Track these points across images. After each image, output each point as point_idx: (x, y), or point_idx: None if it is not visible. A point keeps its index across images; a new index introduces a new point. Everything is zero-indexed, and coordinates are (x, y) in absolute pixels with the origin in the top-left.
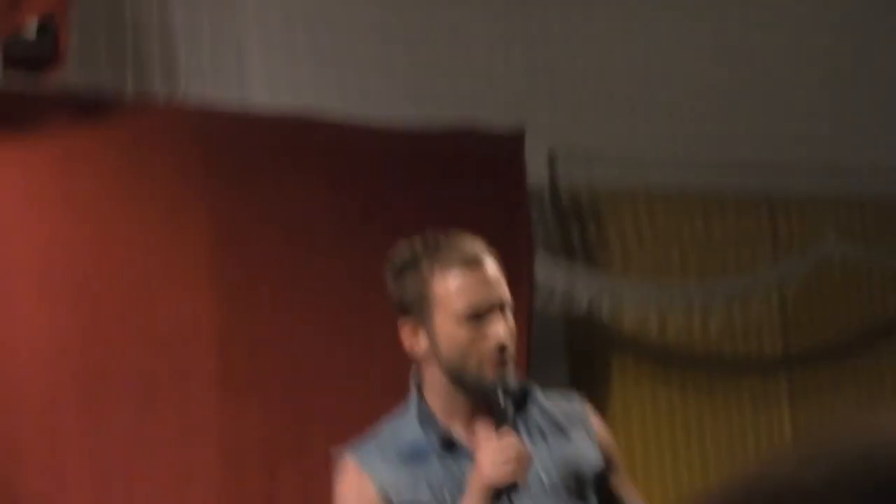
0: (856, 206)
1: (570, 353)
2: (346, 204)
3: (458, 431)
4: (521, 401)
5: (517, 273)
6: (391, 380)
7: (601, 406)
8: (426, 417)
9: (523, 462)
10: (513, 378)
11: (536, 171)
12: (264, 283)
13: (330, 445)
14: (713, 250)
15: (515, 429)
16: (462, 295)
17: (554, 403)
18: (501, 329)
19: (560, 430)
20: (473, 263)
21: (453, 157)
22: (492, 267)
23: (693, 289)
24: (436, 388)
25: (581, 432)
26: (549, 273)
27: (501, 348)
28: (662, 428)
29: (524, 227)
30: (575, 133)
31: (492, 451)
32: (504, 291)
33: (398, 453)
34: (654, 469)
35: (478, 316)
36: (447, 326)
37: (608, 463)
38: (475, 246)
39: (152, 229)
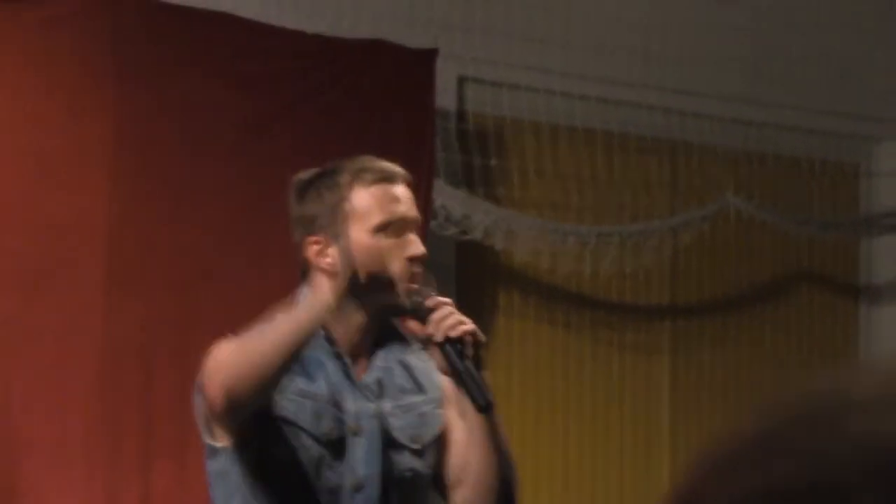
0: (757, 161)
1: (460, 279)
2: (250, 107)
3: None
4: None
5: (414, 193)
6: (277, 290)
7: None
8: (330, 340)
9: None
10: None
11: (446, 95)
12: (160, 181)
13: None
14: (611, 192)
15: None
16: (379, 207)
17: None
18: (417, 244)
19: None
20: (392, 179)
21: (364, 68)
22: (406, 189)
23: (587, 230)
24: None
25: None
26: (446, 198)
27: (415, 262)
28: (542, 365)
29: (427, 148)
30: (487, 61)
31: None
32: (417, 213)
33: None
34: (529, 406)
35: (391, 229)
36: (363, 239)
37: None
38: (393, 166)
39: (54, 114)
